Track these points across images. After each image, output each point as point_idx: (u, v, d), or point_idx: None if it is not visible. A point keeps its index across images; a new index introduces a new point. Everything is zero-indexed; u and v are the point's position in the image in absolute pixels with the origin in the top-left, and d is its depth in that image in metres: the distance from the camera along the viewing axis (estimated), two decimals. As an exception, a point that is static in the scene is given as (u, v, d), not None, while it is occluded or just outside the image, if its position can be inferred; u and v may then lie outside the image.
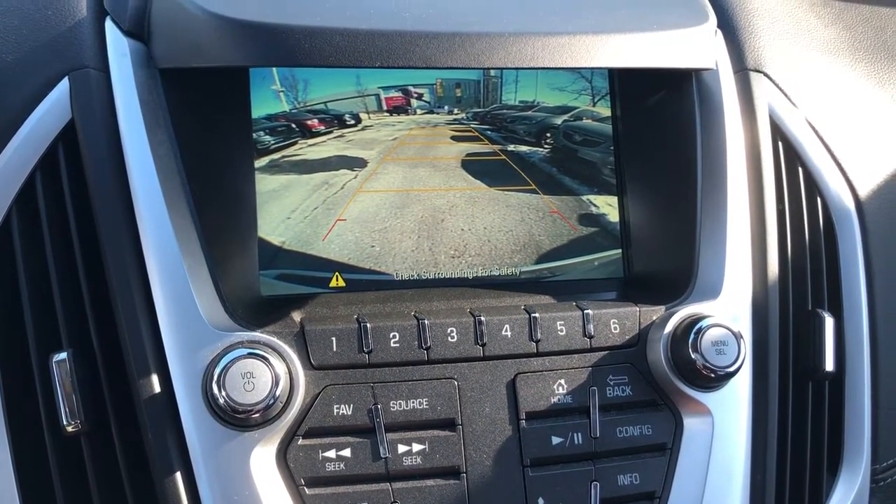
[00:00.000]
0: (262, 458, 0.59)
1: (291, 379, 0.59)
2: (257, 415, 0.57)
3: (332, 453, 0.60)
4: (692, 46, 0.65)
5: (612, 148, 0.77)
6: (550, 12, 0.62)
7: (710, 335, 0.64)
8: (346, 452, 0.60)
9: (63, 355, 0.60)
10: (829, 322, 0.73)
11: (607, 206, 0.76)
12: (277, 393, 0.57)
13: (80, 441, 0.61)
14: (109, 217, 0.62)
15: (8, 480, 0.61)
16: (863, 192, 0.78)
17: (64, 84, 0.65)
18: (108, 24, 0.69)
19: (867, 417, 0.75)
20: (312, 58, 0.55)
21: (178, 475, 0.58)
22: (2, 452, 0.61)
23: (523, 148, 0.75)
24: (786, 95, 0.78)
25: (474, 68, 0.57)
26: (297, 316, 0.65)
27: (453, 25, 0.58)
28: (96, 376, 0.61)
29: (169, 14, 0.66)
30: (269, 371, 0.57)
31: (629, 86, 0.77)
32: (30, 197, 0.64)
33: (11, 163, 0.64)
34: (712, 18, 0.68)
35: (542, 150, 0.75)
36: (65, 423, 0.59)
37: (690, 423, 0.66)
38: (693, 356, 0.63)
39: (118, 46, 0.67)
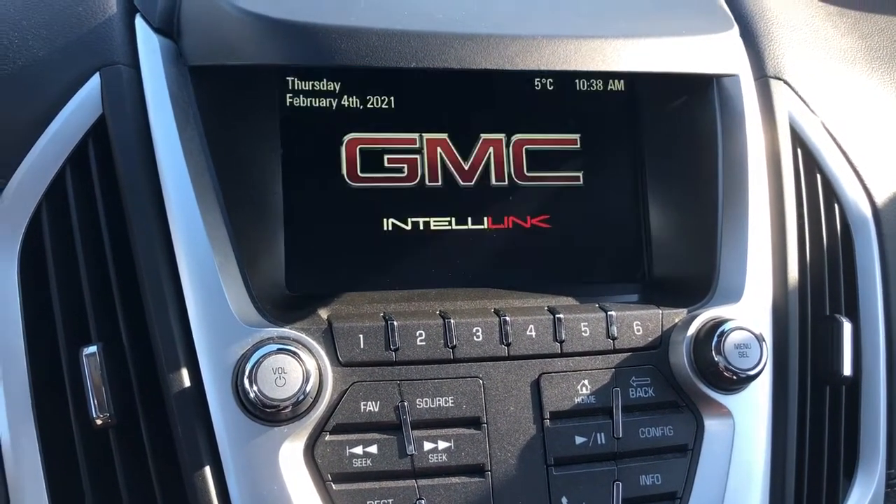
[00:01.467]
0: (290, 453, 0.59)
1: (321, 375, 0.60)
2: (287, 410, 0.58)
3: (358, 449, 0.61)
4: (717, 52, 0.66)
5: (633, 150, 0.78)
6: (579, 17, 0.63)
7: (734, 338, 0.64)
8: (373, 449, 0.61)
9: (93, 348, 0.60)
10: (847, 327, 0.73)
11: (629, 209, 0.77)
12: (308, 389, 0.58)
13: (108, 434, 0.61)
14: (140, 212, 0.62)
15: (36, 473, 0.61)
16: (879, 199, 0.79)
17: (95, 80, 0.66)
18: (139, 21, 0.69)
19: (883, 422, 0.75)
20: (348, 57, 0.56)
21: (207, 469, 0.59)
22: (30, 445, 0.61)
23: (545, 147, 0.76)
24: (805, 102, 0.79)
25: (507, 70, 0.57)
26: (323, 313, 0.66)
27: (487, 27, 0.58)
28: (125, 370, 0.62)
29: (200, 11, 0.66)
30: (301, 367, 0.58)
31: (652, 91, 0.78)
32: (60, 192, 0.64)
33: (42, 157, 0.64)
34: (735, 25, 0.69)
35: (563, 147, 0.76)
36: (94, 415, 0.60)
37: (711, 425, 0.66)
38: (716, 358, 0.64)
39: (149, 43, 0.68)
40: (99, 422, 0.60)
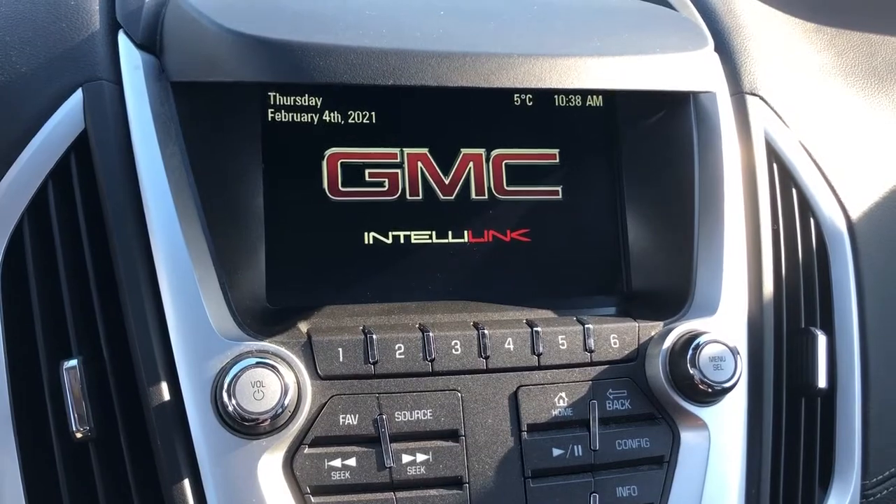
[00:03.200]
0: (269, 466, 0.60)
1: (299, 388, 0.60)
2: (266, 423, 0.58)
3: (337, 462, 0.61)
4: (692, 69, 0.67)
5: (611, 165, 0.79)
6: (556, 35, 0.64)
7: (708, 351, 0.65)
8: (352, 462, 0.61)
9: (73, 362, 0.61)
10: (822, 340, 0.74)
11: (607, 222, 0.78)
12: (286, 402, 0.58)
13: (88, 448, 0.62)
14: (121, 227, 0.63)
15: (15, 487, 0.61)
16: (854, 214, 0.81)
17: (77, 95, 0.66)
18: (122, 37, 0.70)
19: (857, 433, 0.76)
20: (327, 75, 0.57)
21: (186, 482, 0.59)
22: (9, 459, 0.61)
23: (524, 161, 0.77)
24: (780, 118, 0.80)
25: (483, 88, 0.58)
26: (303, 326, 0.66)
27: (463, 45, 0.59)
28: (104, 383, 0.62)
29: (182, 28, 0.67)
30: (279, 380, 0.58)
31: (629, 107, 0.79)
32: (42, 206, 0.65)
33: (24, 171, 0.65)
34: (710, 42, 0.70)
35: (542, 161, 0.77)
36: (74, 428, 0.60)
37: (687, 437, 0.67)
38: (691, 371, 0.65)
39: (131, 59, 0.68)
40: (79, 435, 0.60)
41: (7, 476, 0.61)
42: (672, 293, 0.73)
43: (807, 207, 0.80)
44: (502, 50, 0.59)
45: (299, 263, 0.71)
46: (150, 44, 0.70)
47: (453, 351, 0.65)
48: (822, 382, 0.73)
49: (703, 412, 0.67)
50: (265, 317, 0.67)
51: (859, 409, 0.77)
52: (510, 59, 0.59)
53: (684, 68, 0.66)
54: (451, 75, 0.57)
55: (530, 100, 0.78)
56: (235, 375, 0.58)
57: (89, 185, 0.65)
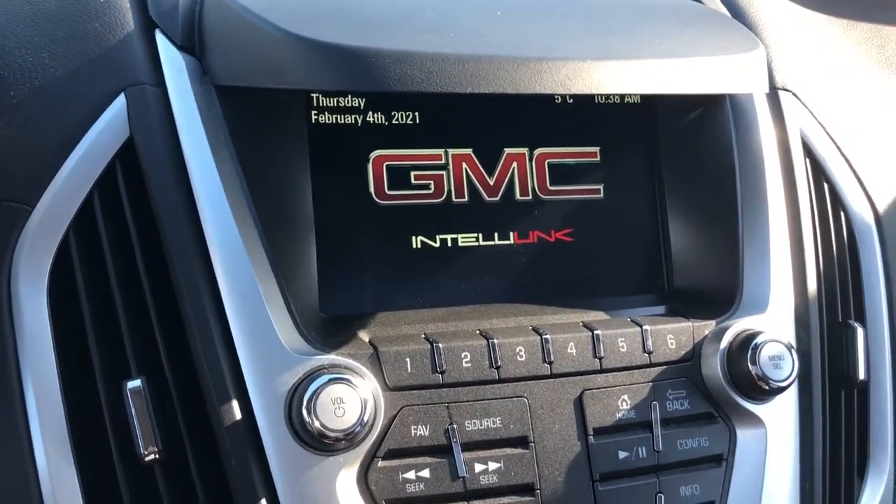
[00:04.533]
0: (346, 481, 0.59)
1: (374, 402, 0.59)
2: (345, 440, 0.57)
3: (411, 474, 0.60)
4: (751, 70, 0.67)
5: (651, 162, 0.79)
6: (618, 37, 0.64)
7: (768, 350, 0.66)
8: (426, 473, 0.61)
9: (137, 382, 0.59)
10: (860, 332, 0.76)
11: (649, 220, 0.78)
12: (366, 418, 0.57)
13: (153, 471, 0.60)
14: (177, 238, 0.61)
15: (77, 513, 0.59)
16: (881, 207, 0.82)
17: (120, 101, 0.64)
18: (160, 37, 0.67)
19: (890, 423, 0.79)
20: (404, 83, 0.55)
21: (264, 502, 0.58)
22: (71, 486, 0.59)
23: (567, 161, 0.77)
24: (811, 113, 0.82)
25: (560, 93, 0.57)
26: (363, 336, 0.65)
27: (536, 51, 0.58)
28: (166, 403, 0.60)
29: (227, 28, 0.65)
30: (358, 395, 0.57)
31: (667, 104, 0.79)
32: (88, 219, 0.62)
33: (68, 183, 0.62)
34: (761, 44, 0.70)
35: (584, 160, 0.77)
36: (141, 451, 0.58)
37: (744, 435, 0.68)
38: (752, 370, 0.66)
39: (173, 62, 0.66)
40: (148, 457, 0.58)
41: (68, 501, 0.59)
42: (719, 291, 0.74)
43: (837, 201, 0.81)
44: (574, 55, 0.59)
45: (349, 270, 0.70)
46: (188, 44, 0.67)
47: (518, 357, 0.64)
48: (862, 375, 0.75)
49: (759, 409, 0.68)
50: (322, 326, 0.66)
51: (891, 399, 0.79)
52: (584, 65, 0.58)
53: (744, 70, 0.66)
54: (528, 82, 0.57)
55: (570, 98, 0.77)
56: (315, 392, 0.57)
57: (137, 195, 0.62)
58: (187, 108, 0.64)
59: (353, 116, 0.72)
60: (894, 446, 0.79)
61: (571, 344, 0.66)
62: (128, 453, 0.59)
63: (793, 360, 0.67)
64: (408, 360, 0.62)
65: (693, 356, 0.69)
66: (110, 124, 0.63)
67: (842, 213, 0.81)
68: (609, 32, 0.65)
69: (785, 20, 0.88)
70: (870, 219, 0.82)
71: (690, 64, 0.63)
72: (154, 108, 0.64)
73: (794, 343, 0.71)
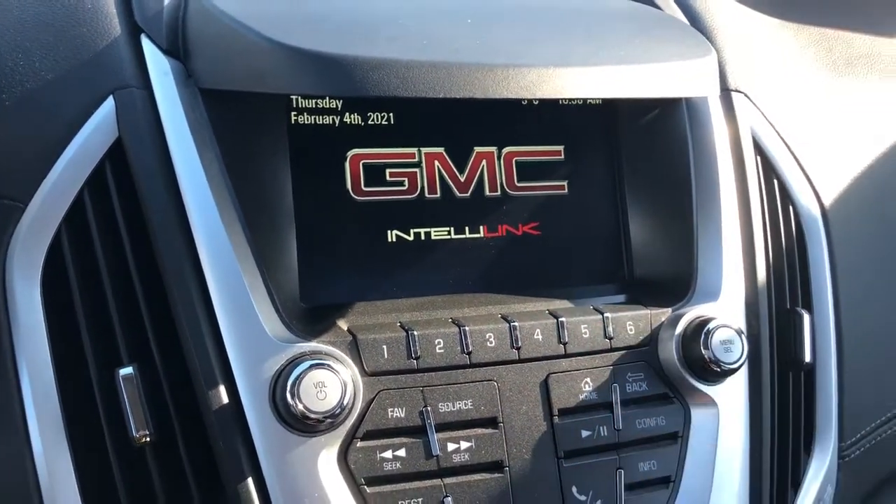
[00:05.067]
0: (327, 461, 0.63)
1: (353, 386, 0.63)
2: (327, 421, 0.61)
3: (388, 454, 0.65)
4: (703, 75, 0.72)
5: (612, 160, 0.84)
6: (583, 44, 0.68)
7: (719, 335, 0.71)
8: (402, 452, 0.65)
9: (129, 370, 0.62)
10: (807, 318, 0.82)
11: (610, 214, 0.83)
12: (345, 400, 0.61)
13: (144, 453, 0.63)
14: (166, 234, 0.64)
15: (72, 493, 0.62)
16: (827, 201, 0.88)
17: (109, 103, 0.67)
18: (146, 42, 0.70)
19: (834, 402, 0.84)
20: (380, 88, 0.59)
21: (250, 480, 0.62)
22: (64, 466, 0.62)
23: (533, 158, 0.81)
24: (762, 113, 0.87)
25: (526, 98, 0.62)
26: (343, 324, 0.69)
27: (505, 58, 0.62)
28: (157, 388, 0.64)
29: (211, 34, 0.68)
30: (339, 379, 0.61)
31: (627, 105, 0.83)
32: (79, 215, 0.65)
33: (60, 182, 0.65)
34: (713, 51, 0.75)
35: (549, 158, 0.81)
36: (134, 434, 0.62)
37: (698, 414, 0.73)
38: (704, 354, 0.71)
39: (159, 65, 0.69)
40: (138, 440, 0.62)
41: (65, 487, 0.62)
42: (675, 280, 0.78)
43: (786, 196, 0.86)
44: (538, 61, 0.63)
45: (328, 262, 0.74)
46: (173, 48, 0.70)
47: (488, 344, 0.69)
48: (808, 358, 0.81)
49: (712, 390, 0.73)
50: (303, 316, 0.70)
51: (835, 380, 0.85)
52: (548, 71, 0.62)
53: (696, 74, 0.71)
54: (496, 87, 0.61)
55: (536, 100, 0.81)
56: (298, 377, 0.60)
57: (126, 193, 0.66)
58: (173, 109, 0.67)
59: (331, 117, 0.76)
60: (838, 424, 0.85)
61: (538, 330, 0.70)
62: (120, 436, 0.63)
63: (742, 345, 0.72)
64: (384, 347, 0.66)
65: (651, 341, 0.74)
66: (100, 126, 0.66)
67: (790, 208, 0.86)
68: (572, 39, 0.69)
69: (739, 25, 0.94)
70: (817, 213, 0.87)
71: (646, 69, 0.67)
72: (141, 110, 0.67)
73: (744, 328, 0.76)
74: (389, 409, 0.65)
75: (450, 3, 0.76)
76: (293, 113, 0.75)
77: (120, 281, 0.65)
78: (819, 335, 0.85)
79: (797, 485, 0.82)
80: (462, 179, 0.79)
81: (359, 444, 0.64)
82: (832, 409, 0.84)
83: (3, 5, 0.71)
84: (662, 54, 0.70)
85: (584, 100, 0.83)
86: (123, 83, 0.67)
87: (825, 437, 0.84)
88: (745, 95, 0.87)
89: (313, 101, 0.75)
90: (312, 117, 0.75)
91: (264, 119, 0.73)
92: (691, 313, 0.74)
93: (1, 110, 0.66)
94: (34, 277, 0.64)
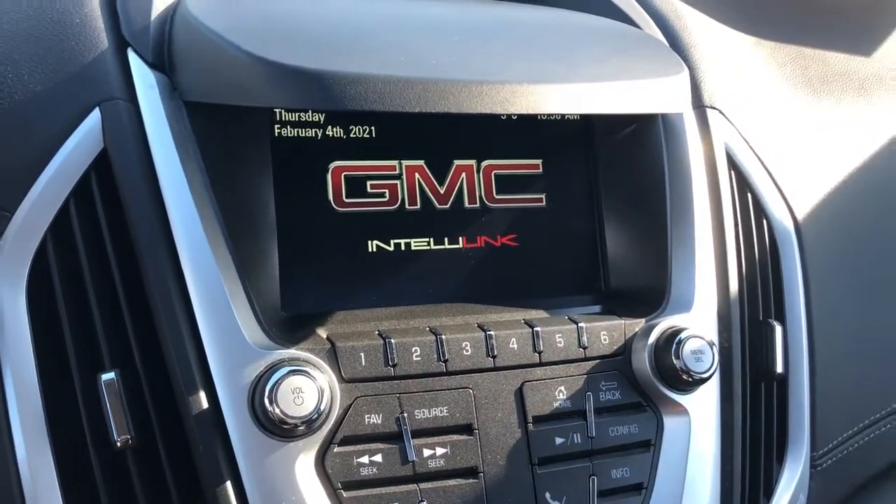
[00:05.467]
0: (304, 466, 0.64)
1: (330, 392, 0.65)
2: (303, 426, 0.63)
3: (365, 459, 0.66)
4: (674, 92, 0.74)
5: (589, 173, 0.86)
6: (556, 61, 0.70)
7: (690, 345, 0.73)
8: (378, 458, 0.66)
9: (111, 375, 0.63)
10: (779, 330, 0.83)
11: (587, 227, 0.85)
12: (322, 406, 0.63)
13: (125, 456, 0.64)
14: (149, 243, 0.66)
15: (54, 497, 0.63)
16: (800, 215, 0.90)
17: (95, 115, 0.68)
18: (132, 56, 0.72)
19: (806, 412, 0.86)
20: (357, 102, 0.61)
21: (228, 483, 0.63)
22: (46, 470, 0.64)
23: (511, 171, 0.83)
24: (737, 129, 0.89)
25: (499, 113, 0.64)
26: (322, 332, 0.71)
27: (480, 74, 0.64)
28: (139, 394, 0.65)
29: (195, 48, 0.70)
30: (315, 386, 0.63)
31: (604, 120, 0.86)
32: (64, 224, 0.67)
33: (46, 191, 0.66)
34: (685, 68, 0.77)
35: (527, 171, 0.83)
36: (115, 438, 0.63)
37: (670, 422, 0.75)
38: (675, 363, 0.72)
39: (145, 78, 0.71)
40: (119, 444, 0.63)
41: (46, 489, 0.63)
42: (649, 291, 0.80)
43: (760, 210, 0.88)
44: (515, 78, 0.65)
45: (309, 272, 0.75)
46: (159, 62, 0.72)
47: (464, 352, 0.70)
48: (779, 368, 0.83)
49: (684, 399, 0.75)
50: (284, 324, 0.71)
51: (807, 391, 0.86)
52: (524, 88, 0.64)
53: (668, 91, 0.73)
54: (470, 103, 0.63)
55: (516, 115, 0.83)
56: (276, 383, 0.62)
57: (111, 204, 0.67)
58: (158, 122, 0.69)
59: (313, 130, 0.78)
60: (811, 433, 0.86)
61: (513, 339, 0.72)
62: (102, 441, 0.64)
63: (713, 355, 0.73)
64: (362, 354, 0.68)
65: (624, 351, 0.75)
66: (86, 137, 0.68)
67: (764, 221, 0.88)
68: (547, 56, 0.71)
69: (715, 43, 0.96)
70: (790, 226, 0.89)
71: (618, 86, 0.69)
72: (127, 122, 0.68)
73: (715, 339, 0.78)
74: (366, 416, 0.67)
75: (429, 17, 0.79)
76: (276, 125, 0.76)
77: (103, 288, 0.66)
78: (791, 346, 0.86)
79: (769, 493, 0.84)
80: (442, 191, 0.81)
81: (336, 449, 0.66)
82: (804, 419, 0.86)
83: (-4, 18, 0.72)
84: (635, 71, 0.72)
85: (562, 115, 0.86)
86: (109, 96, 0.69)
87: (797, 446, 0.86)
88: (720, 112, 0.89)
89: (296, 113, 0.77)
90: (295, 130, 0.77)
91: (248, 131, 0.75)
92: (664, 324, 0.75)
93: (-11, 121, 0.67)
94: (20, 284, 0.65)
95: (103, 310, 0.66)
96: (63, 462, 0.64)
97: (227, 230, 0.68)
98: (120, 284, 0.66)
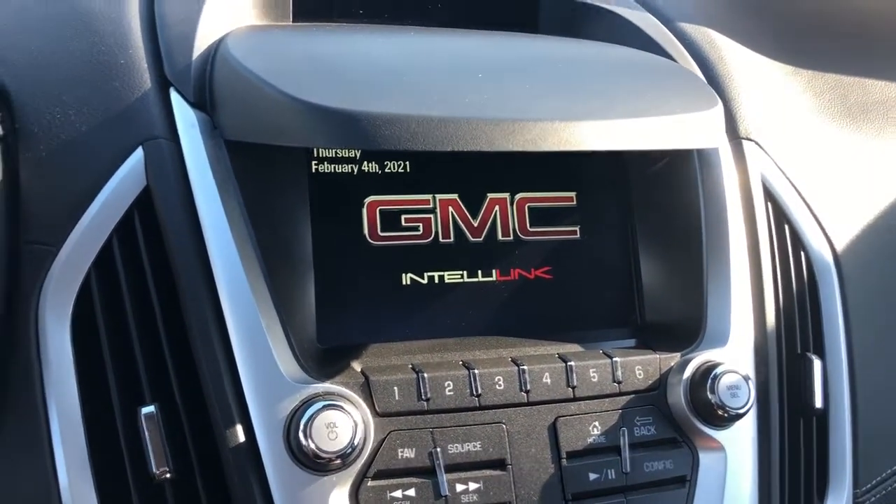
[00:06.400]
0: (338, 499, 0.65)
1: (364, 426, 0.65)
2: (338, 460, 0.63)
3: (398, 493, 0.66)
4: (708, 127, 0.74)
5: (624, 206, 0.86)
6: (587, 97, 0.71)
7: (726, 380, 0.72)
8: (412, 492, 0.67)
9: (151, 409, 0.65)
10: (818, 364, 0.82)
11: (622, 260, 0.85)
12: (356, 440, 0.64)
13: (163, 489, 0.66)
14: (189, 279, 0.67)
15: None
16: (839, 247, 0.89)
17: (138, 153, 0.70)
18: (174, 96, 0.74)
19: (848, 448, 0.84)
20: (392, 142, 0.62)
21: (264, 517, 0.64)
22: (88, 500, 0.65)
23: (545, 204, 0.83)
24: (774, 161, 0.88)
25: (531, 151, 0.64)
26: (356, 366, 0.71)
27: (511, 112, 0.65)
28: (178, 426, 0.66)
29: (236, 89, 0.71)
30: (350, 420, 0.64)
31: (640, 154, 0.86)
32: (108, 260, 0.69)
33: (90, 228, 0.69)
34: (719, 102, 0.77)
35: (561, 204, 0.84)
36: (154, 471, 0.64)
37: (706, 458, 0.74)
38: (711, 399, 0.72)
39: (187, 118, 0.73)
40: (158, 476, 0.64)
41: (87, 517, 0.65)
42: (685, 325, 0.80)
43: (798, 242, 0.88)
44: (546, 116, 0.66)
45: (345, 305, 0.76)
46: (200, 101, 0.74)
47: (497, 386, 0.71)
48: (818, 403, 0.81)
49: (720, 435, 0.74)
50: (320, 357, 0.72)
51: (849, 426, 0.85)
52: (554, 125, 0.65)
53: (701, 127, 0.73)
54: (503, 141, 0.63)
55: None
56: (311, 417, 0.63)
57: (153, 240, 0.69)
58: (199, 160, 0.71)
59: (349, 166, 0.79)
60: (853, 470, 0.85)
61: (546, 374, 0.72)
62: (141, 472, 0.65)
63: (749, 390, 0.73)
64: (396, 388, 0.68)
65: (659, 385, 0.75)
66: (129, 175, 0.70)
67: (802, 253, 0.87)
68: (579, 93, 0.72)
69: (751, 73, 0.96)
70: (829, 257, 0.88)
71: (650, 122, 0.69)
72: (169, 161, 0.70)
73: (751, 374, 0.77)
74: (400, 450, 0.67)
75: (463, 54, 0.80)
76: (314, 162, 0.78)
77: (145, 323, 0.68)
78: (832, 380, 0.85)
79: (811, 531, 0.82)
80: (475, 224, 0.81)
81: (369, 483, 0.66)
82: (846, 455, 0.84)
83: (49, 61, 0.75)
84: (667, 106, 0.72)
85: (596, 148, 0.86)
86: (152, 134, 0.71)
87: (839, 483, 0.84)
88: (756, 143, 0.88)
89: (333, 151, 0.78)
90: (332, 166, 0.78)
91: (286, 168, 0.76)
92: (699, 358, 0.75)
93: (37, 160, 0.70)
94: (65, 319, 0.67)
95: (144, 344, 0.68)
96: (104, 493, 0.66)
97: (265, 265, 0.69)
98: (160, 318, 0.68)
